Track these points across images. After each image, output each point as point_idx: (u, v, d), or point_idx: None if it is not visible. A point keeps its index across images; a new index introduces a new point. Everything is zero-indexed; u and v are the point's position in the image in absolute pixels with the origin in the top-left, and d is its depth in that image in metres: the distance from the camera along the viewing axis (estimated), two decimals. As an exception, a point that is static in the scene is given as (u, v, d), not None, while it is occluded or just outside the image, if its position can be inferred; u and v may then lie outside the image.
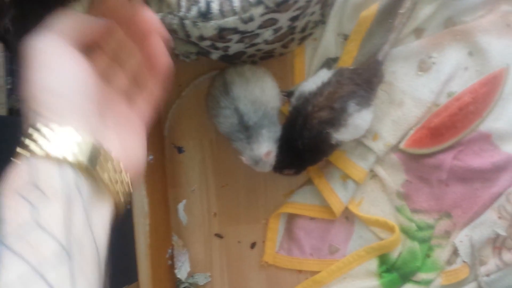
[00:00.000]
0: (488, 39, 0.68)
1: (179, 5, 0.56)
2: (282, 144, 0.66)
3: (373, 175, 0.73)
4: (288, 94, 0.73)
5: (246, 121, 0.64)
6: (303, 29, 0.67)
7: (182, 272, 0.75)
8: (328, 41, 0.71)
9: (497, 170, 0.68)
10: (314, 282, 0.75)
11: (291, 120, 0.67)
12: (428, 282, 0.70)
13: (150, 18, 0.35)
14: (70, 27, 0.31)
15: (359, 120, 0.65)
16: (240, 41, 0.61)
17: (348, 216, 0.75)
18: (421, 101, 0.69)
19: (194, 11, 0.55)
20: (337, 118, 0.64)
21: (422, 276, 0.71)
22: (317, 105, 0.64)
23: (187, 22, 0.56)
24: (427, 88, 0.68)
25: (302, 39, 0.71)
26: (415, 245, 0.71)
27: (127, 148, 0.35)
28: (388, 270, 0.72)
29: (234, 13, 0.55)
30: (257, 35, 0.60)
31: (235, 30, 0.57)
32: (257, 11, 0.55)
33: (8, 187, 0.28)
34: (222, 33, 0.57)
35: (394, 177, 0.72)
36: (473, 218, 0.70)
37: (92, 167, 0.30)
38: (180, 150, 0.78)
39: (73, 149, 0.29)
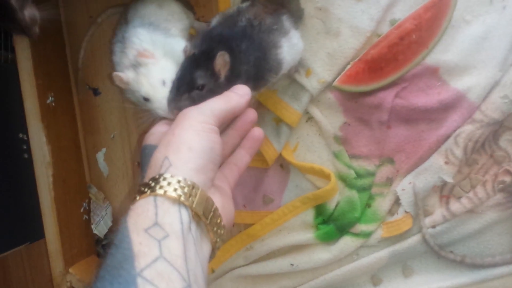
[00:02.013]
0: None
1: None
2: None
3: (308, 117, 0.65)
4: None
5: (124, 20, 0.54)
6: None
7: (100, 227, 0.68)
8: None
9: (444, 109, 0.60)
10: (247, 236, 0.69)
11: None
12: (367, 235, 0.64)
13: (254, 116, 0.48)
14: (214, 111, 0.41)
15: (297, 36, 0.57)
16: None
17: (283, 164, 0.67)
18: (359, 30, 0.59)
19: None
20: (279, 28, 0.54)
21: (361, 227, 0.64)
22: (253, 16, 0.52)
23: None
24: (366, 14, 0.59)
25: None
26: (354, 194, 0.64)
27: (224, 207, 0.41)
28: (325, 222, 0.66)
29: None
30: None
31: None
32: None
33: (135, 225, 0.34)
34: None
35: (331, 119, 0.64)
36: (417, 164, 0.62)
37: (204, 217, 0.37)
38: (95, 92, 0.69)
39: (193, 198, 0.36)
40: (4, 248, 0.59)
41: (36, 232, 0.62)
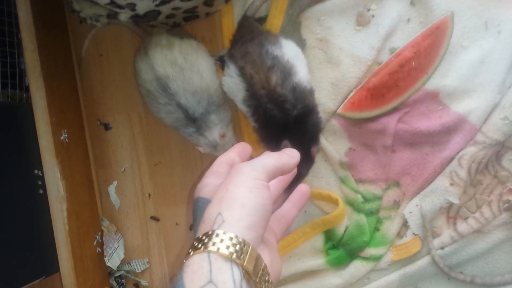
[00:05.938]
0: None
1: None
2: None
3: (314, 144, 0.66)
4: (220, 59, 0.66)
5: (192, 114, 0.59)
6: (226, -16, 0.60)
7: (113, 259, 0.69)
8: (256, -4, 0.63)
9: (447, 132, 0.61)
10: (258, 263, 0.69)
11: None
12: (377, 258, 0.64)
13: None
14: (266, 167, 0.41)
15: (289, 46, 0.59)
16: (144, -3, 0.53)
17: (291, 190, 0.68)
18: (360, 59, 0.61)
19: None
20: (279, 66, 0.57)
21: (370, 251, 0.65)
22: (259, 81, 0.57)
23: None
24: (366, 44, 0.61)
25: (228, -4, 0.63)
26: (362, 218, 0.65)
27: (272, 263, 0.42)
28: (334, 247, 0.66)
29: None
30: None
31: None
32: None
33: (191, 282, 0.34)
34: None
35: (336, 146, 0.65)
36: (423, 186, 0.63)
37: (255, 275, 0.37)
38: (106, 127, 0.71)
39: (244, 256, 0.36)
40: (20, 283, 0.60)
41: (50, 266, 0.63)
